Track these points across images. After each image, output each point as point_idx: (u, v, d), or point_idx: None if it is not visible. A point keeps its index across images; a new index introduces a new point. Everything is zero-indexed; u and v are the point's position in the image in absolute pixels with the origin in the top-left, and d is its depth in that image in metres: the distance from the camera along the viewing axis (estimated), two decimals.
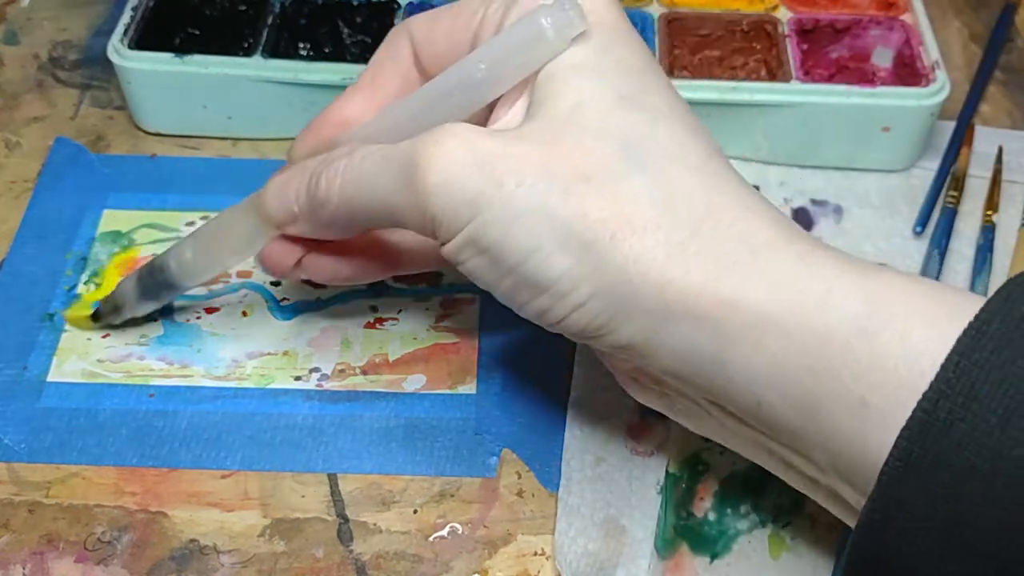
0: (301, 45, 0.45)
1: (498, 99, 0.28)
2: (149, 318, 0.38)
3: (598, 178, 0.24)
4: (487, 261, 0.25)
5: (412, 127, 0.28)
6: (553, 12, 0.26)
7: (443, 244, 0.26)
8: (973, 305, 0.22)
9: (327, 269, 0.32)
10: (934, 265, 0.39)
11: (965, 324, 0.21)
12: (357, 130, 0.30)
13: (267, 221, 0.31)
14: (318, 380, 0.36)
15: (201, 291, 0.39)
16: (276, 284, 0.39)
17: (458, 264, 0.26)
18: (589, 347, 0.29)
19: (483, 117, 0.29)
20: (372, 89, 0.31)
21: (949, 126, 0.45)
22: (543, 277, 0.25)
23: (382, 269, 0.33)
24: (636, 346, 0.25)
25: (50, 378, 0.36)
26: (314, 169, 0.28)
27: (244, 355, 0.37)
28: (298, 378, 0.37)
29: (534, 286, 0.25)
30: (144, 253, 0.40)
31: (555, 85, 0.26)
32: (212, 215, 0.41)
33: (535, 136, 0.25)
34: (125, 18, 0.44)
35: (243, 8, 0.46)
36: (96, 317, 0.37)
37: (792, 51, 0.43)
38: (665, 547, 0.32)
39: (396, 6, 0.45)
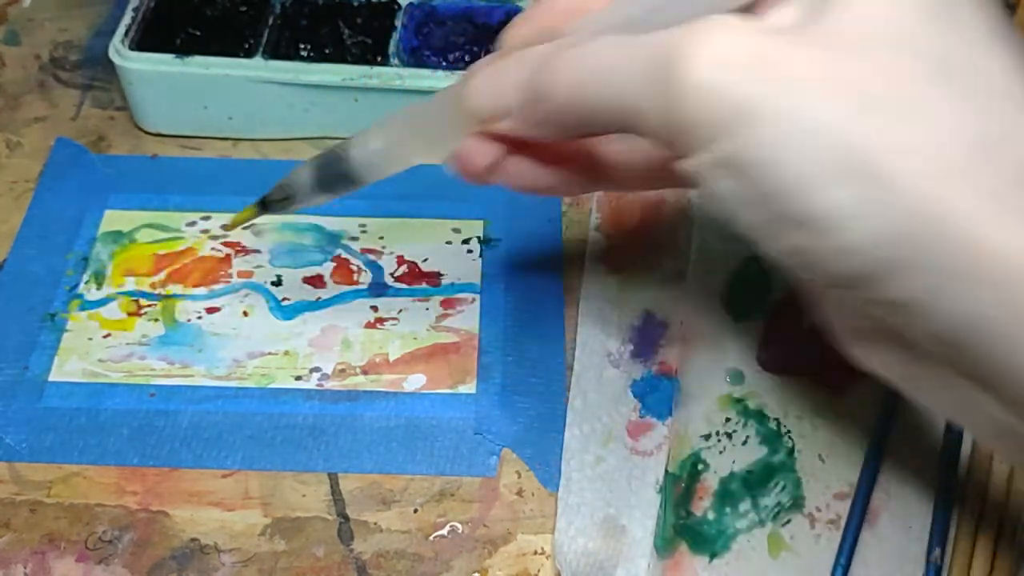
0: (302, 46, 0.45)
1: None
2: (149, 318, 0.38)
3: (903, 101, 0.20)
4: (742, 182, 0.21)
5: (661, 17, 0.23)
6: None
7: (686, 157, 0.22)
8: None
9: (527, 175, 0.28)
10: None
11: None
12: (590, 18, 0.25)
13: (471, 114, 0.26)
14: (319, 380, 0.37)
15: (202, 291, 0.39)
16: (277, 284, 0.39)
17: (699, 182, 0.22)
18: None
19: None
20: None
21: None
22: (812, 209, 0.20)
23: (586, 182, 0.29)
24: (910, 304, 0.21)
25: (51, 378, 0.36)
26: (540, 57, 0.24)
27: (245, 355, 0.37)
28: (299, 378, 0.37)
29: (795, 218, 0.21)
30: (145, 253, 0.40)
31: None
32: (214, 215, 0.41)
33: (825, 42, 0.21)
34: (126, 19, 0.44)
35: (244, 9, 0.46)
36: (264, 205, 0.33)
37: None
38: (664, 546, 0.32)
39: (396, 6, 0.45)
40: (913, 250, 0.20)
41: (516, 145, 0.27)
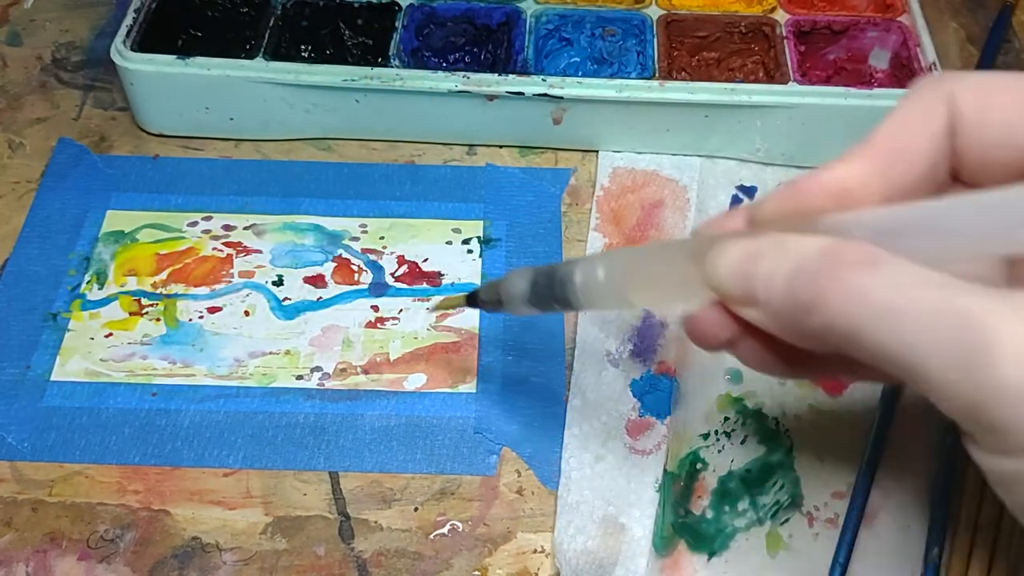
0: (302, 47, 0.46)
1: None
2: (151, 318, 0.38)
3: None
4: None
5: (961, 245, 0.20)
6: None
7: (985, 450, 0.19)
8: None
9: (758, 359, 0.24)
10: None
11: None
12: (869, 217, 0.21)
13: (713, 289, 0.24)
14: (319, 379, 0.37)
15: (203, 290, 0.39)
16: (278, 284, 0.40)
17: (995, 482, 0.20)
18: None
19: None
20: (888, 157, 0.23)
21: None
22: None
23: (838, 374, 0.27)
24: None
25: (53, 377, 0.36)
26: (806, 262, 0.21)
27: (246, 354, 0.37)
28: (300, 377, 0.37)
29: None
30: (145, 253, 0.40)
31: None
32: (215, 216, 0.42)
33: None
34: (128, 20, 0.44)
35: (245, 10, 0.46)
36: (472, 300, 0.32)
37: (790, 53, 0.43)
38: (663, 545, 0.32)
39: (397, 7, 0.46)
40: None
41: (755, 328, 0.24)
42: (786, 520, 0.33)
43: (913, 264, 0.19)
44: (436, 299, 0.38)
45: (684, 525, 0.33)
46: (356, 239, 0.41)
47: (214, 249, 0.41)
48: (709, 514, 0.33)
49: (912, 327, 0.19)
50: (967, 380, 0.18)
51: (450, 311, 0.38)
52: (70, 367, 0.37)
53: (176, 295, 0.39)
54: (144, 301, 0.39)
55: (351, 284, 0.40)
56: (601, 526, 0.33)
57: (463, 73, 0.42)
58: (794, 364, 0.24)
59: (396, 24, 0.45)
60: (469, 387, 0.37)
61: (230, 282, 0.40)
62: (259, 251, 0.41)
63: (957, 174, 0.23)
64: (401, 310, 0.39)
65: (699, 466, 0.34)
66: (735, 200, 0.42)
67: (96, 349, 0.37)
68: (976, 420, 0.19)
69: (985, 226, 0.19)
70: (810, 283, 0.20)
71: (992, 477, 0.19)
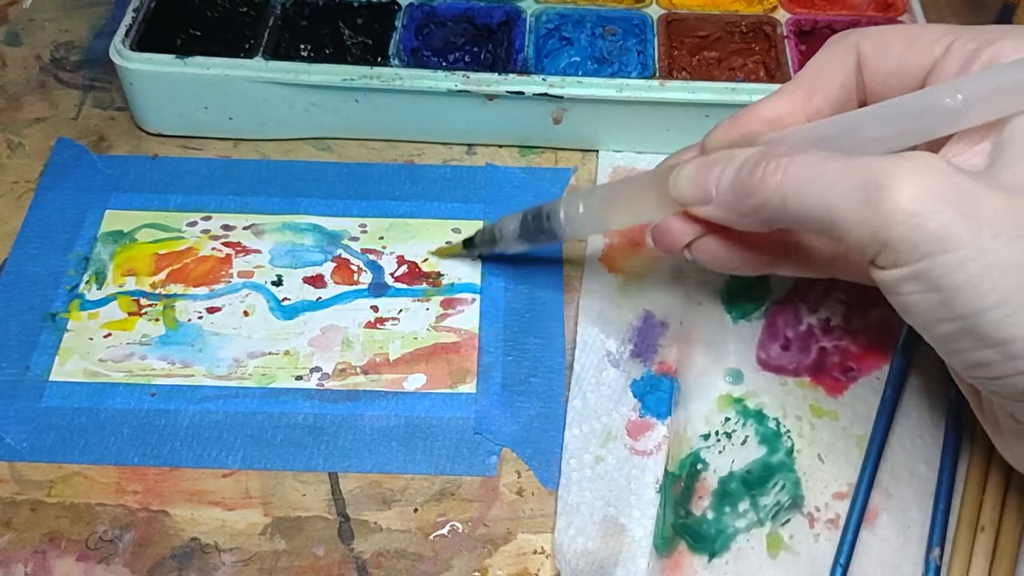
0: (302, 46, 0.45)
1: (950, 135, 0.27)
2: (150, 318, 0.38)
3: None
4: (934, 300, 0.24)
5: (866, 142, 0.27)
6: None
7: (881, 268, 0.25)
8: None
9: (720, 255, 0.31)
10: None
11: None
12: (795, 130, 0.29)
13: (673, 199, 0.30)
14: (319, 379, 0.37)
15: (202, 291, 0.39)
16: (277, 284, 0.39)
17: (891, 293, 0.25)
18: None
19: (930, 150, 0.27)
20: (808, 91, 0.30)
21: None
22: (998, 334, 0.24)
23: (774, 264, 0.32)
24: None
25: (52, 377, 0.36)
26: (748, 159, 0.28)
27: (245, 354, 0.37)
28: (299, 377, 0.37)
29: (981, 339, 0.24)
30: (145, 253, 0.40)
31: None
32: (214, 215, 0.42)
33: (1016, 192, 0.24)
34: (127, 19, 0.44)
35: (244, 9, 0.46)
36: (468, 243, 0.39)
37: (790, 52, 0.43)
38: (664, 546, 0.32)
39: (396, 7, 0.46)
40: None
41: (711, 228, 0.30)
42: (787, 521, 0.33)
43: (834, 153, 0.26)
44: (435, 247, 0.41)
45: (685, 526, 0.33)
46: (356, 239, 0.41)
47: (213, 249, 0.41)
48: (710, 515, 0.33)
49: (826, 185, 0.25)
50: (868, 212, 0.24)
51: (452, 255, 0.40)
52: (69, 367, 0.37)
53: (175, 295, 0.39)
54: (143, 301, 0.39)
55: (351, 284, 0.40)
56: (601, 527, 0.33)
57: (463, 73, 0.42)
58: (743, 256, 0.31)
59: (396, 24, 0.45)
60: (469, 387, 0.36)
61: (229, 282, 0.40)
62: (258, 251, 0.41)
63: (866, 103, 0.30)
64: (401, 310, 0.39)
65: (700, 467, 0.34)
66: None
67: (95, 349, 0.37)
68: (875, 243, 0.24)
69: (870, 130, 0.27)
70: (751, 172, 0.27)
71: (886, 288, 0.25)
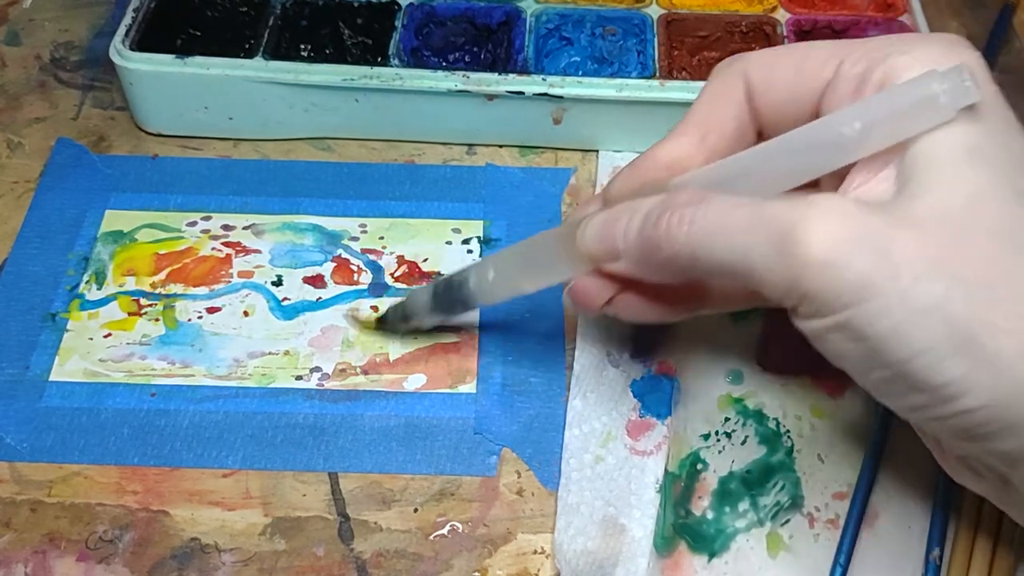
0: (302, 46, 0.45)
1: (851, 164, 0.26)
2: (150, 318, 0.38)
3: (1004, 287, 0.23)
4: (861, 350, 0.23)
5: (766, 181, 0.26)
6: (948, 79, 0.24)
7: (803, 318, 0.24)
8: None
9: (641, 309, 0.30)
10: None
11: None
12: (696, 175, 0.28)
13: (582, 257, 0.29)
14: (319, 380, 0.37)
15: (202, 291, 0.39)
16: (277, 284, 0.39)
17: (817, 341, 0.24)
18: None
19: (832, 182, 0.27)
20: (703, 129, 0.29)
21: None
22: (929, 380, 0.23)
23: (697, 307, 0.32)
24: (1016, 454, 0.24)
25: (52, 377, 0.36)
26: (651, 211, 0.26)
27: (245, 355, 0.37)
28: (299, 377, 0.37)
29: (914, 385, 0.23)
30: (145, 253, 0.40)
31: (944, 169, 0.24)
32: (214, 216, 0.42)
33: (929, 226, 0.23)
34: (127, 19, 0.44)
35: (244, 9, 0.46)
36: (382, 322, 0.37)
37: None
38: (664, 546, 0.32)
39: (396, 7, 0.46)
40: (1020, 415, 0.23)
41: (626, 284, 0.30)
42: (787, 521, 0.33)
43: (731, 195, 0.25)
44: (353, 310, 0.39)
45: (684, 526, 0.33)
46: (356, 239, 0.41)
47: (213, 249, 0.41)
48: (710, 515, 0.33)
49: (735, 236, 0.24)
50: (782, 264, 0.23)
51: (367, 332, 0.38)
52: (69, 367, 0.37)
53: (175, 295, 0.39)
54: (143, 301, 0.39)
55: (351, 284, 0.40)
56: (601, 527, 0.33)
57: (463, 73, 0.42)
58: (664, 306, 0.30)
59: (396, 23, 0.45)
60: (469, 387, 0.36)
61: (229, 282, 0.40)
62: (258, 251, 0.41)
63: (762, 132, 0.29)
64: None
65: (699, 467, 0.34)
66: None
67: (95, 349, 0.37)
68: (793, 294, 0.23)
69: (771, 166, 0.26)
70: (655, 225, 0.26)
71: (811, 336, 0.24)
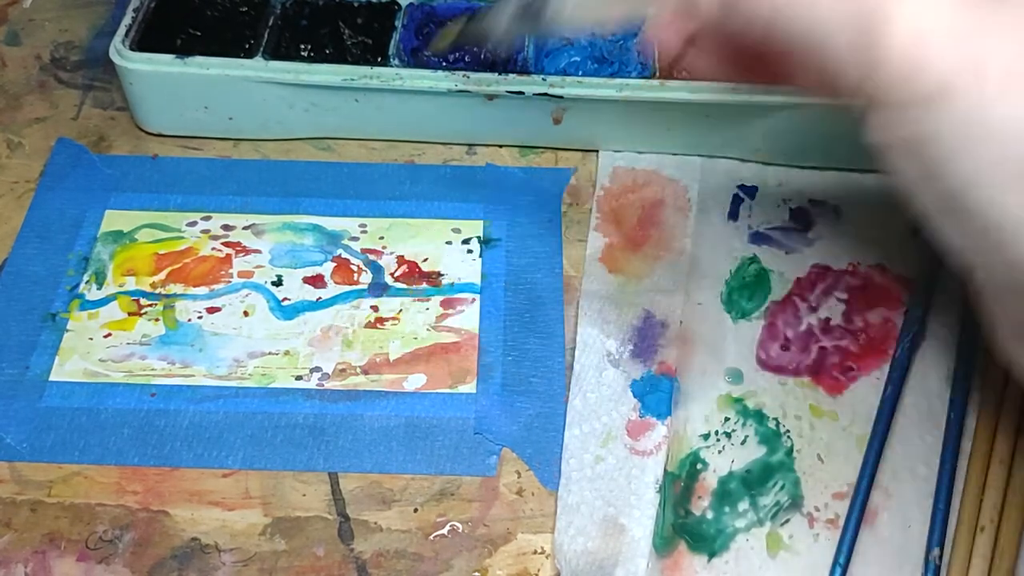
0: (302, 46, 0.45)
1: None
2: (150, 318, 0.38)
3: None
4: (926, 168, 0.21)
5: None
6: None
7: (876, 123, 0.22)
8: None
9: (706, 66, 0.28)
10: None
11: None
12: None
13: None
14: (319, 380, 0.37)
15: (202, 291, 0.39)
16: (277, 284, 0.39)
17: (878, 142, 0.22)
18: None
19: None
20: None
21: None
22: (991, 213, 0.20)
23: (763, 76, 0.28)
24: None
25: (52, 378, 0.36)
26: None
27: (245, 355, 0.37)
28: (299, 377, 0.37)
29: (973, 218, 0.20)
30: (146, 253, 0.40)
31: None
32: (214, 215, 0.41)
33: (1020, 26, 0.20)
34: (127, 19, 0.44)
35: (244, 9, 0.46)
36: (459, 36, 0.35)
37: None
38: (663, 545, 0.32)
39: (396, 7, 0.46)
40: None
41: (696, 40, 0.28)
42: (786, 521, 0.33)
43: None
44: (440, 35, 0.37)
45: (684, 526, 0.33)
46: (356, 239, 0.41)
47: (213, 249, 0.41)
48: (709, 515, 0.33)
49: (820, 9, 0.21)
50: (861, 47, 0.21)
51: (451, 39, 0.36)
52: (69, 367, 0.37)
53: (175, 295, 0.39)
54: (143, 301, 0.39)
55: (351, 284, 0.40)
56: (601, 527, 0.33)
57: (463, 72, 0.42)
58: (733, 67, 0.28)
59: (396, 24, 0.45)
60: (469, 387, 0.36)
61: (229, 282, 0.39)
62: (258, 251, 0.41)
63: None
64: (400, 310, 0.39)
65: (699, 466, 0.34)
66: (736, 200, 0.42)
67: (95, 349, 0.37)
68: (866, 86, 0.21)
69: None
70: None
71: (875, 142, 0.22)
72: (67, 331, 0.38)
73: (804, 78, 0.27)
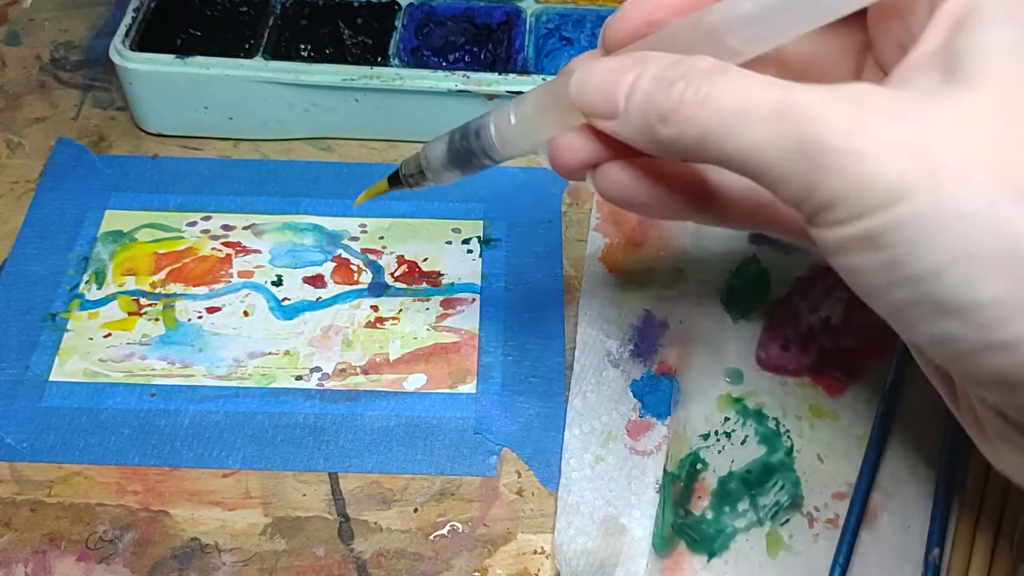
0: (302, 46, 0.45)
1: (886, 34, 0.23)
2: (150, 318, 0.38)
3: None
4: (882, 261, 0.20)
5: (759, 36, 0.22)
6: None
7: (822, 227, 0.21)
8: None
9: (624, 185, 0.26)
10: None
11: None
12: (714, 19, 0.23)
13: (571, 108, 0.25)
14: (319, 380, 0.37)
15: (202, 290, 0.39)
16: (277, 284, 0.39)
17: (834, 254, 0.21)
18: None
19: (858, 42, 0.24)
20: None
21: None
22: (965, 298, 0.19)
23: (685, 207, 0.27)
24: None
25: (52, 377, 0.36)
26: (664, 73, 0.22)
27: (245, 355, 0.37)
28: (299, 377, 0.37)
29: (942, 306, 0.20)
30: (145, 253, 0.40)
31: (1000, 56, 0.20)
32: (214, 215, 0.42)
33: (980, 121, 0.19)
34: (127, 19, 0.44)
35: (244, 9, 0.46)
36: (394, 180, 0.32)
37: None
38: (663, 545, 0.32)
39: (396, 7, 0.46)
40: None
41: (616, 150, 0.25)
42: (786, 521, 0.33)
43: (755, 73, 0.21)
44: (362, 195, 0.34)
45: (684, 526, 0.33)
46: (356, 239, 0.41)
47: (213, 249, 0.41)
48: (709, 515, 0.33)
49: (754, 125, 0.21)
50: (803, 159, 0.20)
51: (378, 194, 0.34)
52: (69, 367, 0.37)
53: (175, 295, 0.39)
54: (143, 301, 0.39)
55: (351, 284, 0.40)
56: (601, 527, 0.33)
57: (463, 72, 0.42)
58: (652, 191, 0.26)
59: (396, 23, 0.45)
60: (469, 387, 0.36)
61: (229, 282, 0.40)
62: (258, 251, 0.41)
63: None
64: (400, 310, 0.39)
65: (699, 466, 0.34)
66: None
67: (95, 349, 0.37)
68: (814, 196, 0.20)
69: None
70: (667, 91, 0.22)
71: (828, 249, 0.21)
72: (67, 331, 0.38)
73: (738, 201, 0.27)
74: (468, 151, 0.30)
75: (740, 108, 0.21)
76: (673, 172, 0.26)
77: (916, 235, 0.19)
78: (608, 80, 0.24)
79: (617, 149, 0.25)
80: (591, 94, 0.24)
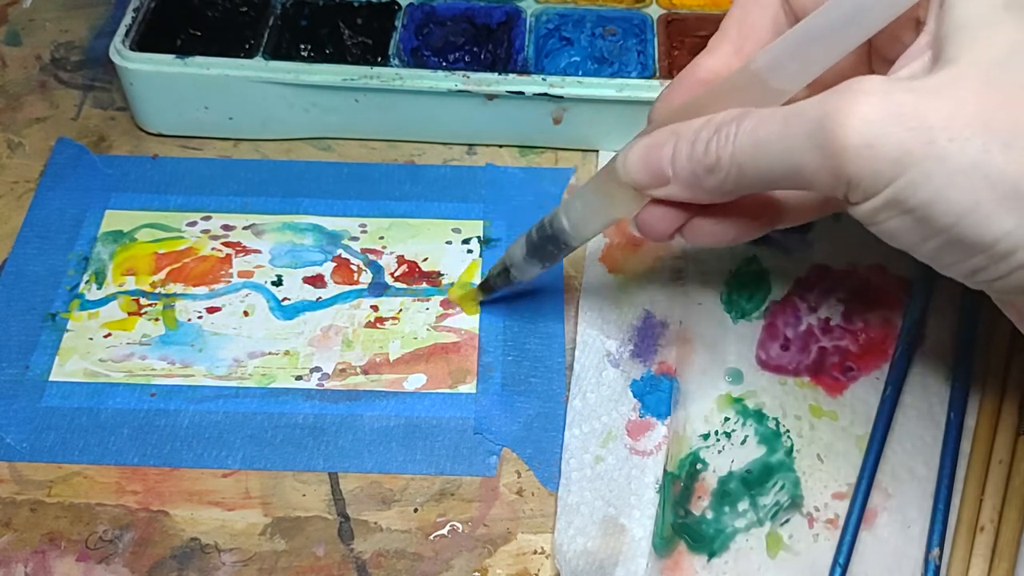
0: (302, 46, 0.45)
1: (885, 47, 0.27)
2: (150, 318, 0.38)
3: None
4: (912, 222, 0.24)
5: (796, 73, 0.26)
6: None
7: (855, 204, 0.24)
8: None
9: (709, 232, 0.30)
10: None
11: None
12: (769, 49, 0.27)
13: (630, 184, 0.29)
14: (319, 380, 0.37)
15: (202, 290, 0.39)
16: (277, 284, 0.39)
17: (871, 224, 0.25)
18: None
19: (860, 62, 0.28)
20: (739, 37, 0.29)
21: None
22: (980, 238, 0.23)
23: (763, 226, 0.31)
24: None
25: (52, 377, 0.36)
26: (697, 135, 0.27)
27: (245, 355, 0.37)
28: (299, 377, 0.37)
29: (968, 247, 0.23)
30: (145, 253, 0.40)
31: (977, 28, 0.24)
32: (214, 215, 0.42)
33: (962, 84, 0.23)
34: (127, 19, 0.44)
35: (244, 9, 0.46)
36: (485, 285, 0.37)
37: None
38: (663, 546, 0.32)
39: (396, 7, 0.46)
40: None
41: (694, 209, 0.29)
42: (786, 521, 0.33)
43: (772, 108, 0.25)
44: (448, 294, 0.39)
45: (684, 526, 0.33)
46: (356, 239, 0.41)
47: (213, 249, 0.41)
48: (709, 515, 0.33)
49: (775, 142, 0.25)
50: (823, 157, 0.23)
51: (472, 303, 0.39)
52: (69, 367, 0.37)
53: (175, 295, 0.39)
54: (143, 301, 0.39)
55: (351, 284, 0.40)
56: (601, 527, 0.33)
57: (463, 72, 0.42)
58: (737, 225, 0.30)
59: (396, 23, 0.45)
60: (469, 387, 0.36)
61: (229, 282, 0.40)
62: (258, 251, 0.41)
63: (798, 19, 0.28)
64: (401, 310, 0.39)
65: (699, 467, 0.34)
66: None
67: (95, 349, 0.37)
68: (840, 184, 0.24)
69: (824, 28, 0.25)
70: (705, 149, 0.26)
71: (865, 221, 0.25)
72: (67, 331, 0.38)
73: (799, 208, 0.31)
74: (544, 241, 0.33)
75: (761, 133, 0.25)
76: (744, 204, 0.29)
77: (931, 193, 0.22)
78: (650, 156, 0.28)
79: (690, 206, 0.29)
80: (638, 172, 0.28)
